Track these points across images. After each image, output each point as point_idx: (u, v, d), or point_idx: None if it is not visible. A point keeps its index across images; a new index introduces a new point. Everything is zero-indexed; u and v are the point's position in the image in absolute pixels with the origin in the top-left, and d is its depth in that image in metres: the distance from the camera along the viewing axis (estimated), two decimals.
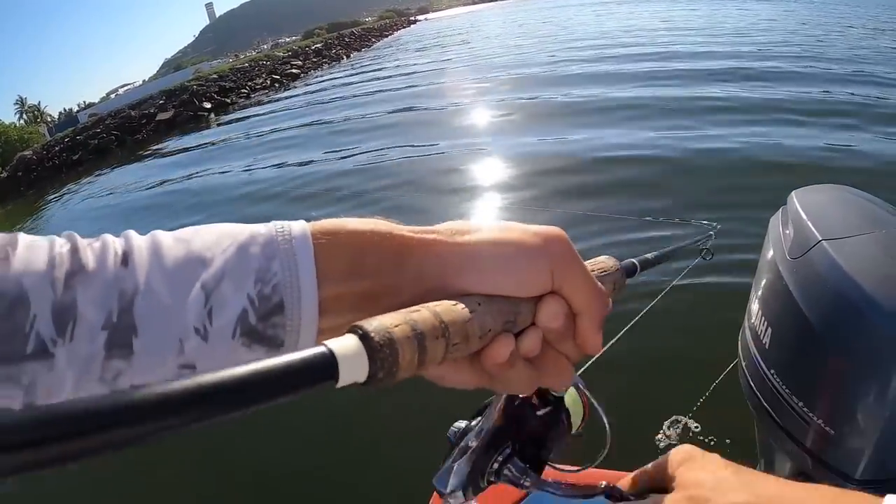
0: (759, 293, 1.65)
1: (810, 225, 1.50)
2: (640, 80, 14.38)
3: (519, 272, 0.55)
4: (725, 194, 6.89)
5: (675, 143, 9.05)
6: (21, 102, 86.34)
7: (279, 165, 14.60)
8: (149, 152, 28.13)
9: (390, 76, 26.89)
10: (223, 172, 16.26)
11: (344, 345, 0.43)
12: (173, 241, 0.56)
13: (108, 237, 0.55)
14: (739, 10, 29.61)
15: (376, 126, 15.59)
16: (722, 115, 10.23)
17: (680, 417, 3.70)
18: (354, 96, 22.95)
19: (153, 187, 18.53)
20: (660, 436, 3.65)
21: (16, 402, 0.47)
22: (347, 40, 69.01)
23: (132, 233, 0.56)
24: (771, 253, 1.66)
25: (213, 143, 22.50)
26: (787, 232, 1.61)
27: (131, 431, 0.29)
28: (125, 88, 62.16)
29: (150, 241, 0.56)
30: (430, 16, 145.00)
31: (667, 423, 3.70)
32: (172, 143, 27.78)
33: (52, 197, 30.29)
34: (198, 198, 14.49)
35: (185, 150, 23.68)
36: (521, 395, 0.73)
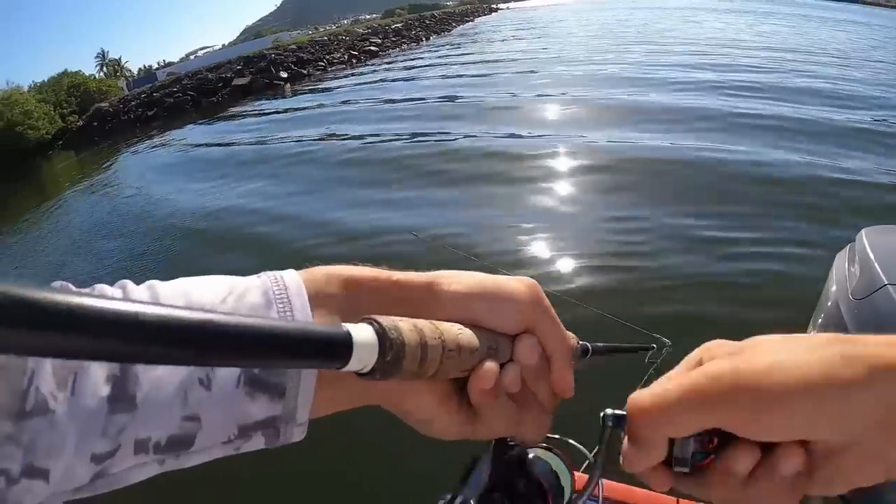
0: (816, 329, 1.70)
1: (877, 267, 1.49)
2: (713, 91, 14.48)
3: (500, 309, 0.64)
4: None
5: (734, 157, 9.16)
6: (102, 56, 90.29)
7: (343, 137, 15.55)
8: (222, 115, 29.45)
9: (466, 63, 27.26)
10: (292, 140, 17.06)
11: (361, 332, 0.47)
12: (172, 293, 0.60)
13: (105, 287, 0.60)
14: (840, 29, 29.66)
15: (441, 113, 15.90)
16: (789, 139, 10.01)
17: None
18: (427, 79, 23.72)
19: (221, 145, 19.82)
20: None
21: (15, 464, 0.47)
22: (428, 22, 69.94)
23: (129, 283, 0.61)
24: (834, 288, 1.68)
25: (286, 111, 23.62)
26: (853, 270, 1.62)
27: (127, 347, 0.29)
28: (204, 51, 65.23)
29: (149, 294, 0.60)
30: (511, 5, 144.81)
31: None
32: (246, 109, 29.03)
33: (125, 149, 32.29)
34: (262, 164, 15.39)
35: (258, 114, 25.06)
36: (508, 460, 0.76)
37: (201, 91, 38.04)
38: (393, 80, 25.51)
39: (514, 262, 6.38)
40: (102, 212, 19.44)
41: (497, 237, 7.45)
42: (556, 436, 0.80)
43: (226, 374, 0.55)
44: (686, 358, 0.65)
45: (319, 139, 16.15)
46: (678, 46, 24.47)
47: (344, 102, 21.51)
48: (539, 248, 7.05)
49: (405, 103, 18.74)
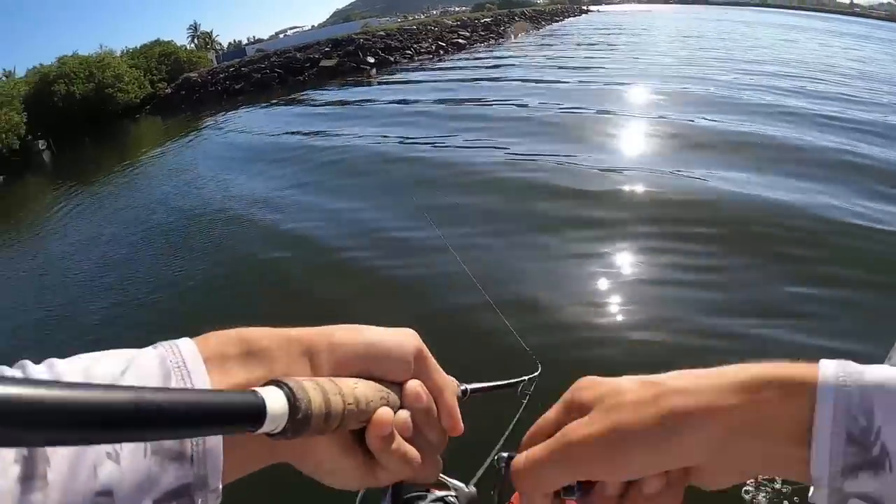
0: None
1: None
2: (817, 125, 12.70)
3: (388, 361, 0.71)
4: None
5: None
6: (194, 28, 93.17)
7: (413, 139, 15.09)
8: (306, 94, 30.13)
9: (548, 67, 26.54)
10: (357, 134, 17.06)
11: (271, 395, 0.50)
12: (70, 369, 0.59)
13: (4, 368, 0.58)
14: None
15: (510, 123, 14.85)
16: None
17: None
18: (507, 80, 23.26)
19: (301, 119, 20.66)
20: None
21: None
22: (517, 19, 70.24)
23: (28, 363, 0.59)
24: None
25: (369, 101, 23.97)
26: None
27: (31, 431, 0.28)
28: (293, 31, 66.41)
29: (49, 373, 0.59)
30: (602, 8, 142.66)
31: None
32: (329, 90, 29.40)
33: (209, 119, 33.26)
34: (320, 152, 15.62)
35: (342, 102, 25.49)
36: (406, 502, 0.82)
37: (288, 69, 38.96)
38: (474, 79, 25.11)
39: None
40: (178, 174, 20.66)
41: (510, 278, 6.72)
42: (448, 478, 0.85)
43: (132, 446, 0.55)
44: (562, 398, 0.75)
45: (382, 137, 15.96)
46: (772, 66, 23.08)
47: (414, 101, 21.42)
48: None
49: (478, 106, 18.32)
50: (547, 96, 18.12)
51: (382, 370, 0.71)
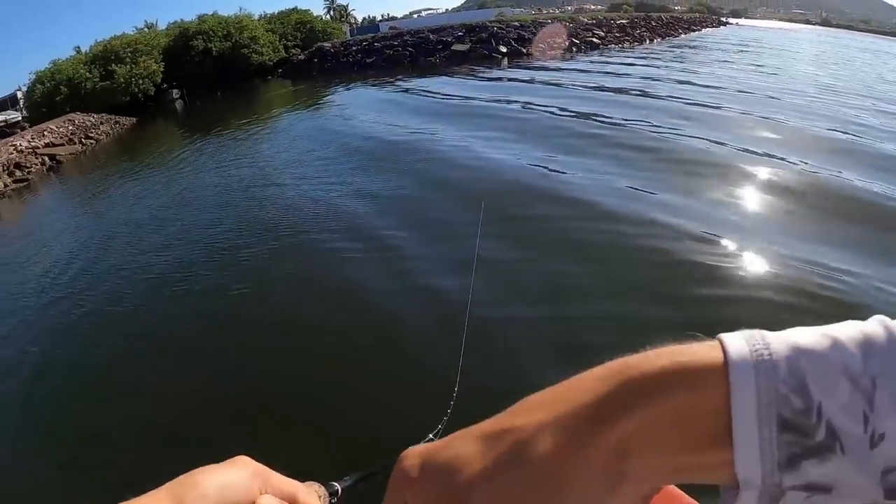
0: None
1: None
2: None
3: (233, 487, 0.74)
4: None
5: None
6: (331, 0, 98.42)
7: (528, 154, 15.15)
8: (435, 75, 30.73)
9: (680, 82, 24.41)
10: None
11: None
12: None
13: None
14: None
15: (646, 147, 13.17)
16: None
17: None
18: (633, 90, 22.06)
19: (434, 101, 21.26)
20: None
21: None
22: (653, 24, 68.24)
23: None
24: None
25: (500, 79, 24.50)
26: None
27: None
28: (427, 12, 67.84)
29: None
30: (741, 21, 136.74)
31: None
32: (458, 74, 29.91)
33: (339, 87, 34.46)
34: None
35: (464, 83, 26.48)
36: None
37: (420, 49, 39.63)
38: (600, 86, 23.94)
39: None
40: (306, 128, 22.65)
41: None
42: None
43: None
44: (389, 485, 0.65)
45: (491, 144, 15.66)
46: None
47: (540, 107, 20.62)
48: None
49: (605, 124, 16.60)
50: (679, 117, 16.44)
51: (233, 499, 0.75)
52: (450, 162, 13.33)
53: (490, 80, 27.31)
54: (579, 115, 17.08)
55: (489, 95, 21.66)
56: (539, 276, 7.54)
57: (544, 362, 5.63)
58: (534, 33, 43.81)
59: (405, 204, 11.13)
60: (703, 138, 13.55)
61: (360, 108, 24.76)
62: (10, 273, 14.77)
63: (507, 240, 8.36)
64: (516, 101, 19.68)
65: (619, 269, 7.58)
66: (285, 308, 8.37)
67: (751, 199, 9.75)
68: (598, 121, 16.14)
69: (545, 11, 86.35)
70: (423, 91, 25.82)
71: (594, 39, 45.55)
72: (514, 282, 7.30)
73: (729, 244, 7.76)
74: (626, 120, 15.94)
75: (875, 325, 0.48)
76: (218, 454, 0.86)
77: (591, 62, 31.93)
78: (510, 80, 26.23)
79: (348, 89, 33.24)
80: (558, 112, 17.57)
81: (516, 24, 47.36)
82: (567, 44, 42.04)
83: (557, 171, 11.55)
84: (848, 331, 0.47)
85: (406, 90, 27.37)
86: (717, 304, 6.33)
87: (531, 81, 23.45)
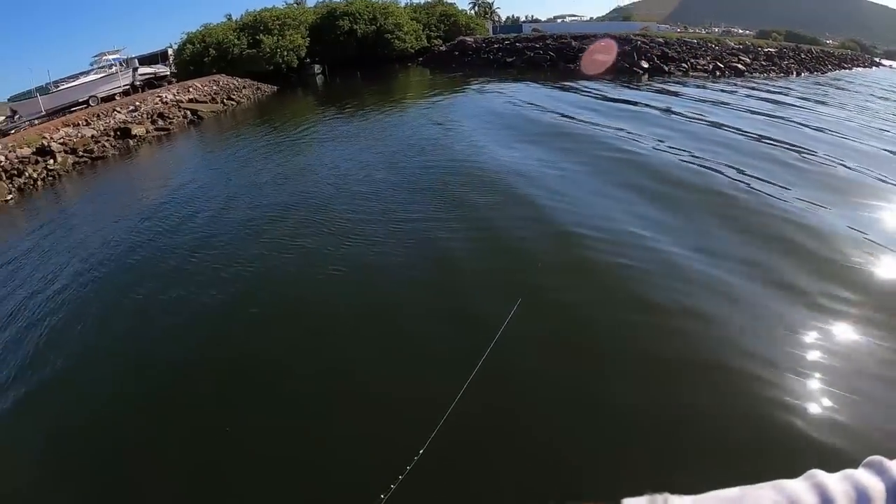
0: None
1: None
2: None
3: None
4: None
5: None
6: None
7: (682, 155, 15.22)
8: (573, 82, 31.15)
9: (825, 129, 20.13)
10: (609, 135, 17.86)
11: None
12: None
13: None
14: None
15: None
16: None
17: None
18: (768, 129, 19.39)
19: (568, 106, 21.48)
20: None
21: None
22: (803, 56, 65.99)
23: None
24: None
25: (635, 104, 24.35)
26: None
27: None
28: (571, 18, 68.25)
29: None
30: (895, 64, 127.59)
31: None
32: (593, 84, 30.34)
33: (477, 83, 35.28)
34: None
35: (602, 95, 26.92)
36: None
37: (561, 55, 40.07)
38: (745, 110, 23.35)
39: None
40: (438, 119, 23.47)
41: None
42: None
43: None
44: None
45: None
46: None
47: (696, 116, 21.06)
48: None
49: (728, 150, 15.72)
50: (809, 170, 14.38)
51: None
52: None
53: (626, 102, 25.75)
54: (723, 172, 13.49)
55: (629, 126, 19.47)
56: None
57: None
58: (678, 52, 43.65)
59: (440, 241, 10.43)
60: None
61: (493, 108, 25.23)
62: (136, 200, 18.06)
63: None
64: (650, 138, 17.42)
65: None
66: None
67: None
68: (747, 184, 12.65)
69: (691, 30, 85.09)
70: (566, 100, 26.21)
71: (739, 66, 44.77)
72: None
73: None
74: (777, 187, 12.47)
75: (805, 490, 0.47)
76: None
77: (734, 90, 30.69)
78: (647, 105, 24.72)
79: (486, 86, 33.93)
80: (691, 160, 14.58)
81: (660, 40, 47.08)
82: (710, 67, 41.77)
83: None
84: (771, 497, 0.45)
85: (547, 95, 27.93)
86: None
87: (667, 111, 22.64)
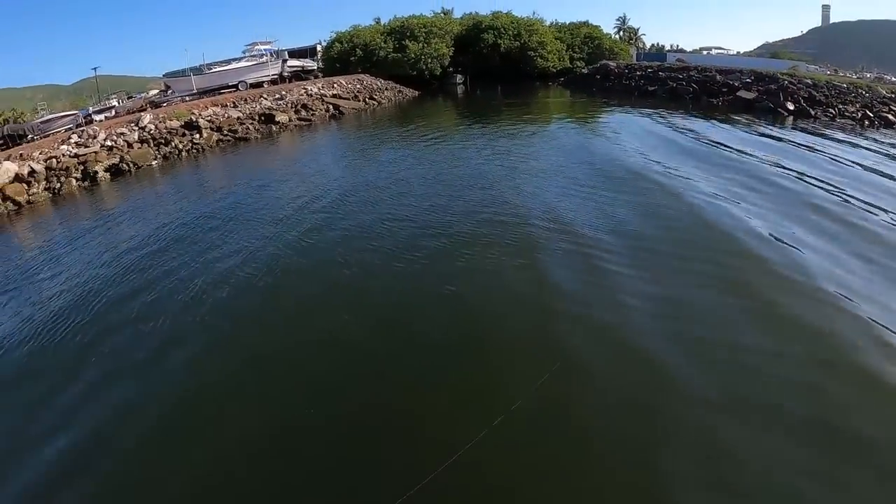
0: None
1: None
2: None
3: None
4: None
5: None
6: (622, 20, 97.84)
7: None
8: (716, 118, 31.45)
9: None
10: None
11: None
12: None
13: None
14: None
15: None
16: None
17: None
18: None
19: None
20: None
21: None
22: None
23: None
24: None
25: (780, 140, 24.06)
26: None
27: None
28: (717, 51, 67.59)
29: None
30: None
31: None
32: (739, 124, 30.28)
33: (617, 109, 36.58)
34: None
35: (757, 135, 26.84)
36: None
37: (704, 88, 40.00)
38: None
39: None
40: (573, 142, 24.17)
41: None
42: None
43: None
44: None
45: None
46: None
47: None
48: None
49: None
50: None
51: None
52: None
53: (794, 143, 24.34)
54: None
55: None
56: None
57: None
58: (826, 95, 42.84)
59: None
60: None
61: (633, 138, 25.30)
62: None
63: None
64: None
65: None
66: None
67: None
68: None
69: (841, 73, 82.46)
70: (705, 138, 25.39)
71: (889, 116, 43.51)
72: None
73: None
74: None
75: None
76: None
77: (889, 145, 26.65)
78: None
79: (626, 113, 34.85)
80: None
81: (809, 81, 46.13)
82: (859, 115, 40.86)
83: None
84: None
85: (688, 132, 27.62)
86: None
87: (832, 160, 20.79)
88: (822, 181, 17.21)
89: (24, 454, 7.53)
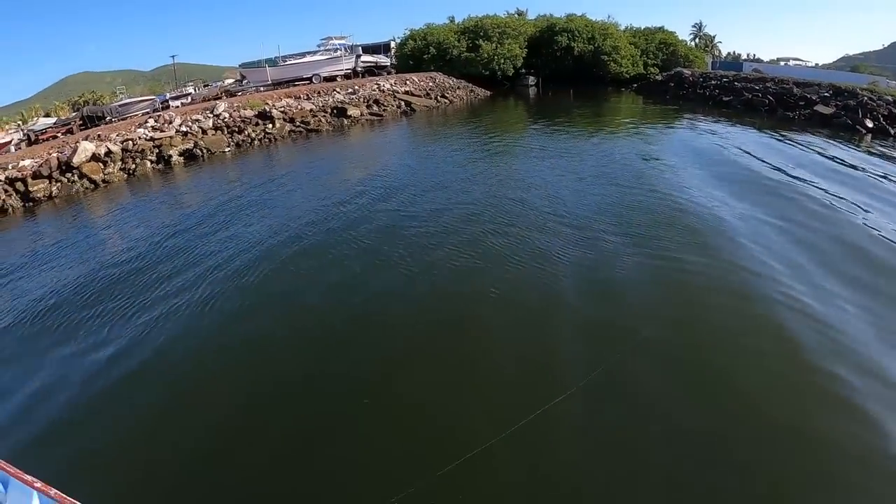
0: None
1: None
2: None
3: None
4: None
5: None
6: (699, 27, 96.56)
7: None
8: (791, 133, 30.76)
9: None
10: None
11: None
12: None
13: None
14: None
15: None
16: None
17: None
18: None
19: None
20: None
21: None
22: None
23: None
24: None
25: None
26: None
27: None
28: (795, 63, 66.56)
29: None
30: None
31: None
32: (814, 141, 29.07)
33: (691, 118, 36.39)
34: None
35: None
36: None
37: (780, 100, 39.47)
38: None
39: None
40: (642, 152, 23.83)
41: None
42: None
43: None
44: None
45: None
46: None
47: None
48: None
49: None
50: None
51: None
52: None
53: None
54: None
55: None
56: None
57: None
58: None
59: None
60: None
61: (707, 150, 24.96)
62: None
63: None
64: None
65: None
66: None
67: None
68: None
69: None
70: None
71: None
72: None
73: None
74: None
75: None
76: None
77: None
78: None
79: (700, 123, 34.59)
80: None
81: (889, 98, 45.15)
82: None
83: None
84: None
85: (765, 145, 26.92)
86: None
87: None
88: None
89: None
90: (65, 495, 3.79)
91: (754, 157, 23.01)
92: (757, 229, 13.81)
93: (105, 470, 7.22)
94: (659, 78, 56.92)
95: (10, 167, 26.69)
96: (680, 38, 67.62)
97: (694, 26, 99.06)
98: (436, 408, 7.69)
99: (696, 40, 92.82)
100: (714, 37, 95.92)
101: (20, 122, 60.90)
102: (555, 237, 13.43)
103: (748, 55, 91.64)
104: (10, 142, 39.40)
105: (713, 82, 48.40)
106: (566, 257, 12.25)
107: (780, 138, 28.64)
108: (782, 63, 62.06)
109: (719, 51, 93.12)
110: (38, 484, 3.90)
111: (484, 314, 10.05)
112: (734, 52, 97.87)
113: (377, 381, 8.35)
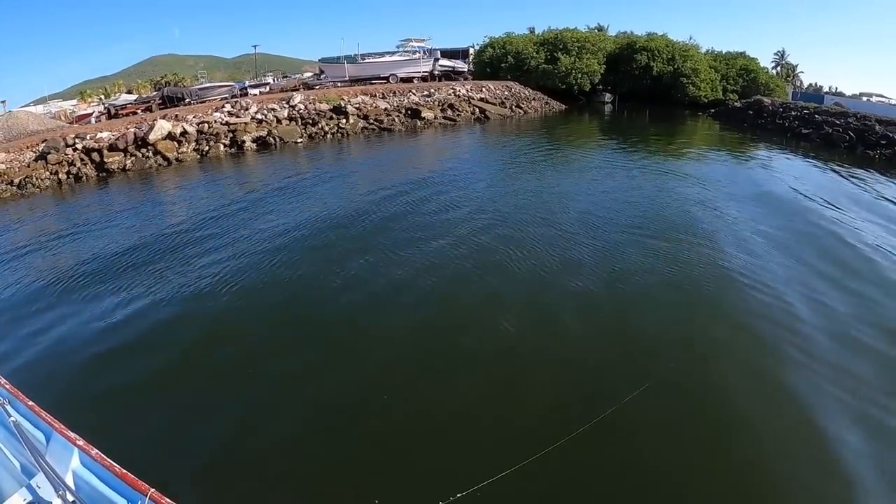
0: None
1: None
2: None
3: None
4: None
5: None
6: (781, 55, 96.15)
7: None
8: (865, 171, 30.08)
9: None
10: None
11: None
12: None
13: None
14: None
15: None
16: None
17: None
18: None
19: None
20: None
21: None
22: None
23: None
24: None
25: None
26: None
27: None
28: (878, 99, 65.93)
29: None
30: None
31: None
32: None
33: (767, 149, 36.07)
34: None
35: None
36: None
37: (861, 138, 39.09)
38: None
39: None
40: (719, 182, 23.63)
41: None
42: None
43: None
44: None
45: None
46: None
47: None
48: None
49: None
50: None
51: None
52: None
53: None
54: None
55: None
56: None
57: None
58: None
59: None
60: None
61: (791, 186, 24.32)
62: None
63: None
64: None
65: None
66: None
67: None
68: None
69: None
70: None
71: None
72: None
73: None
74: None
75: None
76: None
77: None
78: None
79: (778, 154, 34.51)
80: None
81: None
82: None
83: None
84: None
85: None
86: None
87: None
88: None
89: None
90: (105, 456, 3.87)
91: (836, 207, 21.03)
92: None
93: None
94: (738, 104, 56.70)
95: (87, 137, 28.99)
96: (761, 65, 67.16)
97: (776, 54, 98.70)
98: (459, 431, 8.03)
99: (778, 69, 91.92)
100: (796, 66, 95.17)
101: (102, 97, 64.17)
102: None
103: (830, 88, 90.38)
104: (92, 114, 42.34)
105: (793, 113, 48.07)
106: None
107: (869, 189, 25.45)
108: (864, 98, 61.35)
109: (801, 81, 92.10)
110: (81, 442, 4.03)
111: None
112: (815, 84, 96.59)
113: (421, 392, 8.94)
